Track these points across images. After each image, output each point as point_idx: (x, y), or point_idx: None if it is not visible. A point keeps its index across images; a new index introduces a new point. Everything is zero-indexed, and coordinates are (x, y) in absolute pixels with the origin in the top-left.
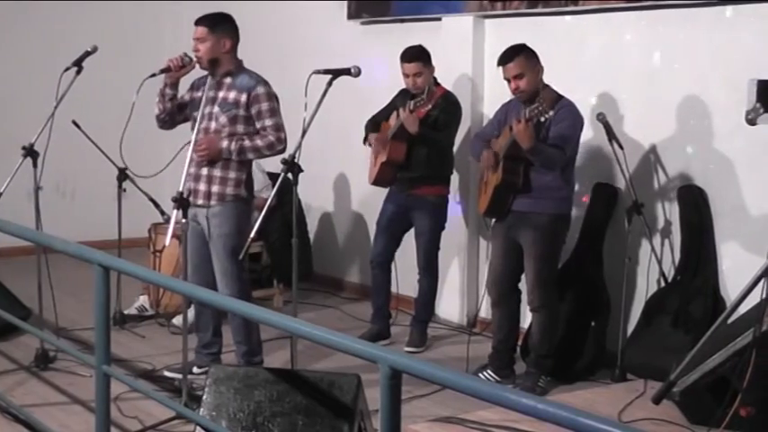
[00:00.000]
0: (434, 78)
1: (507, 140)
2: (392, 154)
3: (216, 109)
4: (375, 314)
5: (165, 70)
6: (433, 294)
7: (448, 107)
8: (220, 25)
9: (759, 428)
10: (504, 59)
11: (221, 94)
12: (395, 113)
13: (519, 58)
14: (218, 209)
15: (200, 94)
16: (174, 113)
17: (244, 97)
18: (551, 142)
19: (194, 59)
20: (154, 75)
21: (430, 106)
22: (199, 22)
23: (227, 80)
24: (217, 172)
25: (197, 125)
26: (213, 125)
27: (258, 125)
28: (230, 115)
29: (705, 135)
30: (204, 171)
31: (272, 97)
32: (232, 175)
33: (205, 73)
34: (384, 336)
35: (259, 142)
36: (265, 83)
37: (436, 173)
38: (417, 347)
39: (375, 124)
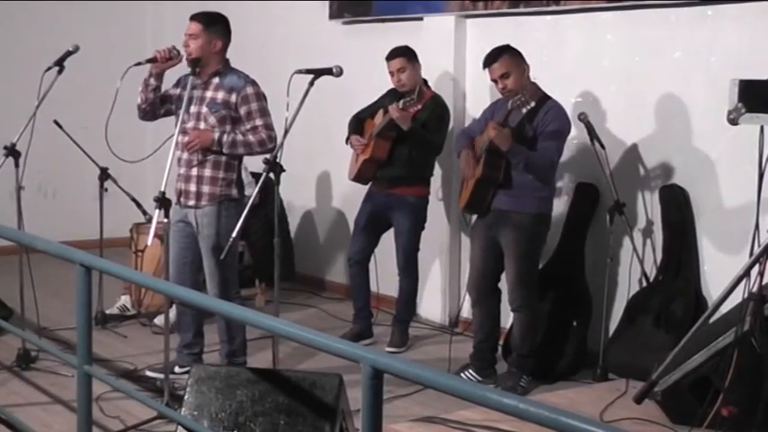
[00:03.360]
0: (425, 81)
1: (490, 135)
2: (375, 152)
3: (204, 109)
4: (356, 314)
5: (151, 60)
6: (413, 294)
7: (437, 109)
8: (215, 25)
9: (741, 428)
10: (489, 60)
11: (209, 94)
12: (380, 111)
13: (503, 57)
14: (208, 209)
15: (184, 93)
16: (156, 105)
17: (233, 98)
18: (539, 145)
19: (182, 54)
20: (139, 63)
21: (420, 107)
22: (194, 17)
23: (215, 80)
24: (207, 172)
25: (180, 124)
26: (202, 125)
27: (249, 125)
28: (219, 116)
29: (687, 135)
30: (194, 172)
31: (261, 97)
32: (222, 175)
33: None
34: (366, 335)
35: (251, 138)
36: (254, 83)
37: (416, 173)
38: (398, 347)
39: (358, 121)
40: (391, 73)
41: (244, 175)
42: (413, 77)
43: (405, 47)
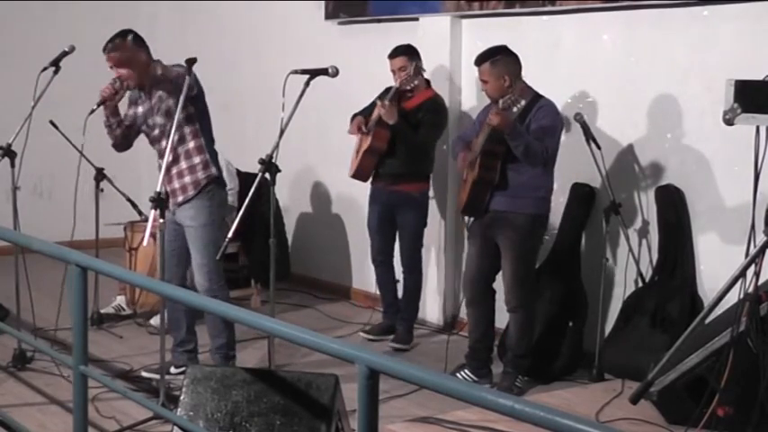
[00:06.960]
0: (427, 81)
1: (484, 135)
2: (375, 141)
3: (158, 119)
4: (385, 310)
5: (101, 103)
6: (417, 292)
7: (434, 107)
8: (132, 43)
9: (736, 428)
10: (476, 61)
11: (154, 99)
12: (378, 104)
13: (485, 65)
14: (194, 202)
15: (140, 108)
16: (128, 135)
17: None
18: (532, 136)
19: (124, 84)
20: (93, 111)
21: (417, 103)
22: (107, 49)
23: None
24: (183, 164)
25: (157, 135)
26: (157, 132)
27: None
28: (165, 108)
29: (682, 135)
30: (174, 170)
31: (176, 71)
32: (196, 159)
33: None
34: (395, 329)
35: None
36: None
37: (417, 169)
38: (404, 344)
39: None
40: (393, 71)
41: (229, 177)
42: (413, 74)
43: (407, 45)
